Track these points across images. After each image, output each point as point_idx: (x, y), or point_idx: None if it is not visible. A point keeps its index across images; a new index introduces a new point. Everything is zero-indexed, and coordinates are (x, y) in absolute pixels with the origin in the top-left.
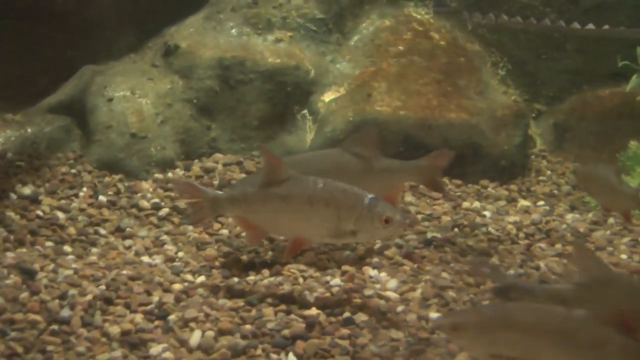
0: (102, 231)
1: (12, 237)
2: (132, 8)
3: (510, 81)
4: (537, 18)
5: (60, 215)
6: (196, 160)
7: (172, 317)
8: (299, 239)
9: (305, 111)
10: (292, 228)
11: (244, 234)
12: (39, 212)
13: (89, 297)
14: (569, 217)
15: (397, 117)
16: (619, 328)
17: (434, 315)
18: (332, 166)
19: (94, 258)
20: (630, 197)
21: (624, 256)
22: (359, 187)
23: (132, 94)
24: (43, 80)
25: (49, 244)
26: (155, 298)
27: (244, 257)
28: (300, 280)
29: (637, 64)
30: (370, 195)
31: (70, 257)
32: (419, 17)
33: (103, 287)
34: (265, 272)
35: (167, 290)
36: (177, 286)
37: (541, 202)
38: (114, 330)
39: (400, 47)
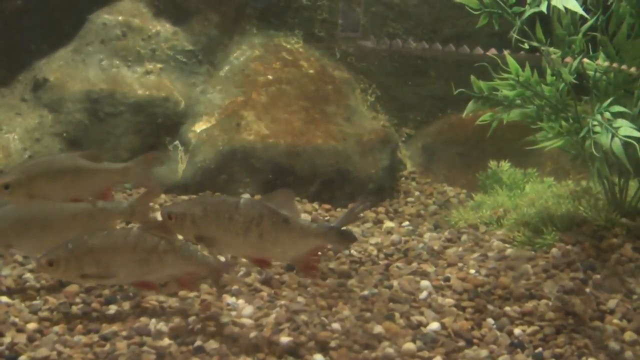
0: None
1: None
2: (3, 42)
3: (379, 107)
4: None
5: None
6: None
7: (22, 357)
8: None
9: (177, 142)
10: None
11: None
12: None
13: None
14: (427, 236)
15: (266, 145)
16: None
17: (284, 339)
18: None
19: None
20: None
21: (472, 271)
22: None
23: None
24: None
25: None
26: (7, 339)
27: (106, 292)
28: (159, 310)
29: (473, 91)
30: None
31: None
32: (288, 46)
33: None
34: (126, 305)
35: (20, 330)
36: (32, 325)
37: (406, 223)
38: None
39: (270, 77)
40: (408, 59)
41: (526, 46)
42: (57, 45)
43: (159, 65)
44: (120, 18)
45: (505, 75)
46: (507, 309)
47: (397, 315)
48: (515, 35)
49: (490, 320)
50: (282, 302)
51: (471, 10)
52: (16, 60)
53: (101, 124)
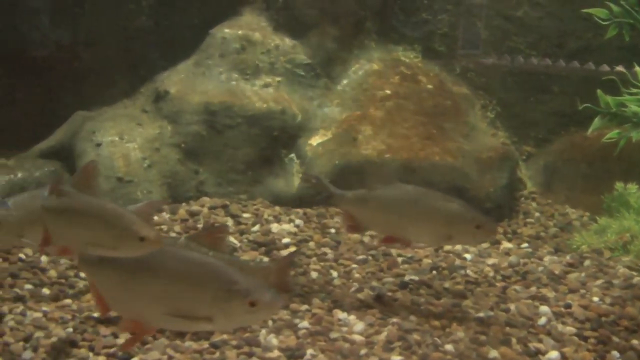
0: (82, 274)
1: None
2: (126, 55)
3: (499, 123)
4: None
5: (43, 258)
6: (183, 204)
7: (134, 359)
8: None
9: (293, 155)
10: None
11: None
12: (22, 256)
13: (54, 339)
14: (547, 259)
15: (382, 161)
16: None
17: (395, 358)
18: None
19: (68, 301)
20: None
21: (595, 298)
22: None
23: (120, 139)
24: (38, 126)
25: (28, 286)
26: (120, 341)
27: None
28: (270, 322)
29: (599, 107)
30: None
31: (45, 300)
32: (407, 61)
33: (70, 329)
34: None
35: None
36: None
37: (525, 244)
38: None
39: (388, 91)
40: (530, 74)
41: None
42: (179, 59)
43: (277, 79)
44: (239, 32)
45: (635, 90)
46: (635, 342)
47: (513, 340)
48: None
49: (615, 353)
50: (394, 320)
51: (599, 21)
52: (139, 73)
53: (218, 136)
